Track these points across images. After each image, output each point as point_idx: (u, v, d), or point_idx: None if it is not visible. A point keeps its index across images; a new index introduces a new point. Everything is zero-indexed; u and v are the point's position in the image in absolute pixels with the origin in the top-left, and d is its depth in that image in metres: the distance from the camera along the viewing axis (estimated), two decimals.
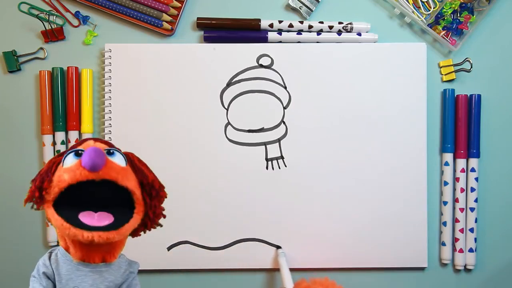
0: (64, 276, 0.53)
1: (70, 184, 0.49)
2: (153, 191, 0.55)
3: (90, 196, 0.51)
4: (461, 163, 0.79)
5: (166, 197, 0.57)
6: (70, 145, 0.78)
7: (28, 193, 0.52)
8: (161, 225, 0.57)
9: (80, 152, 0.51)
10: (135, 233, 0.57)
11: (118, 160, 0.53)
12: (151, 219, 0.56)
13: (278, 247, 0.78)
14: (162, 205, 0.57)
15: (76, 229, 0.49)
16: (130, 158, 0.55)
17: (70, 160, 0.51)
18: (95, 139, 0.55)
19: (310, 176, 0.78)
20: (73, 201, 0.50)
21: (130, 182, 0.52)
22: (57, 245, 0.56)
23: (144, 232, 0.58)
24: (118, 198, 0.52)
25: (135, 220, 0.53)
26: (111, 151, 0.53)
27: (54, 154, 0.77)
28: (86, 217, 0.50)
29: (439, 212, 0.80)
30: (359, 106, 0.78)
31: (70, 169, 0.50)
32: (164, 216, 0.57)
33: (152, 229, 0.57)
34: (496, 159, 0.80)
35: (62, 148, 0.78)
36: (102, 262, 0.54)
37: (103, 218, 0.51)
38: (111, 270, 0.55)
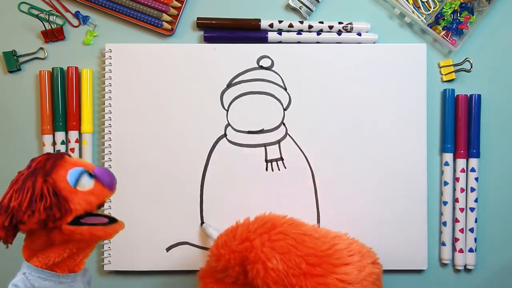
0: None
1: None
2: None
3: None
4: (461, 163, 0.79)
5: None
6: (70, 145, 0.78)
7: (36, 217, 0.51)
8: None
9: (91, 173, 0.53)
10: None
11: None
12: None
13: (202, 222, 0.77)
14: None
15: (107, 227, 0.52)
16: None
17: (86, 182, 0.52)
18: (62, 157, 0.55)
19: (309, 177, 0.78)
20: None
21: None
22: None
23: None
24: None
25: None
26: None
27: None
28: (91, 219, 0.52)
29: (439, 212, 0.80)
30: (359, 107, 0.78)
31: (94, 192, 0.52)
32: None
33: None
34: (496, 159, 0.80)
35: (62, 148, 0.78)
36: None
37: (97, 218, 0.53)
38: (80, 273, 0.56)
